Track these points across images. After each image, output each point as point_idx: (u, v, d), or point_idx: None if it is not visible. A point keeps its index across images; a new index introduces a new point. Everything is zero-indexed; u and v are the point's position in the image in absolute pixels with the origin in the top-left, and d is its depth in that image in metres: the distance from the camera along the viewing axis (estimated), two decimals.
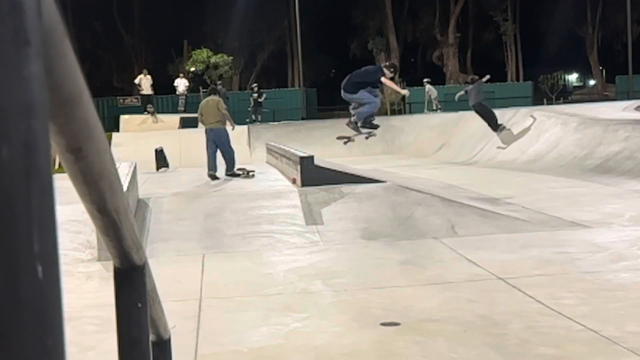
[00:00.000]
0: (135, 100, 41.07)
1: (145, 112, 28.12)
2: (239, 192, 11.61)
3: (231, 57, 38.11)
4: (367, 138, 14.87)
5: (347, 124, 14.83)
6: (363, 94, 14.02)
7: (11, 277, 0.46)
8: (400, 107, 39.52)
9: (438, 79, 46.15)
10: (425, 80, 30.66)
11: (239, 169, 14.24)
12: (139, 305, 1.51)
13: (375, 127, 14.60)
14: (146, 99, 29.44)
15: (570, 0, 47.06)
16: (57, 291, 0.49)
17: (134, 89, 45.32)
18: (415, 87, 43.11)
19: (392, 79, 14.52)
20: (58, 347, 0.49)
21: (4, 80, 0.46)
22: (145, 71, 30.85)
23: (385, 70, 14.18)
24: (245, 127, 25.55)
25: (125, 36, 49.15)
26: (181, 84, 31.82)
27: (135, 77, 32.34)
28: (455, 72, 47.60)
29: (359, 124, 14.29)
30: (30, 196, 0.47)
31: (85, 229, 8.21)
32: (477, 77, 20.55)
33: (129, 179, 9.53)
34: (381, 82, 14.16)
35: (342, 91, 14.13)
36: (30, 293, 0.46)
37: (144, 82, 29.49)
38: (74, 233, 8.27)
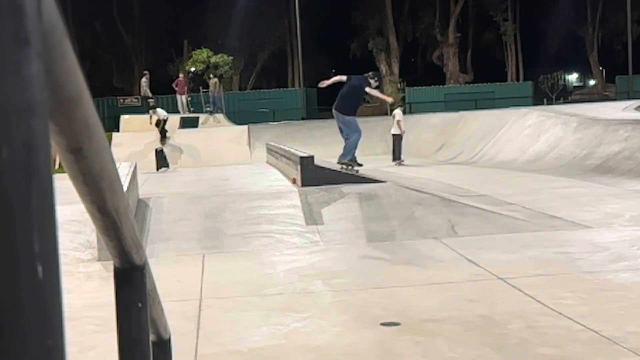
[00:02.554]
0: (136, 100, 41.05)
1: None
2: (239, 192, 11.60)
3: (231, 57, 38.11)
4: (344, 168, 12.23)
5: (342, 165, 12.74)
6: (354, 119, 12.74)
7: (11, 277, 0.46)
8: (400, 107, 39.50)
9: (438, 79, 46.16)
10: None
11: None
12: (139, 305, 1.51)
13: (359, 165, 12.85)
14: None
15: (570, 0, 47.06)
16: (57, 291, 0.49)
17: (134, 89, 45.41)
18: (416, 87, 43.23)
19: (377, 87, 13.56)
20: (58, 347, 0.49)
21: (4, 80, 0.46)
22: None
23: (370, 81, 13.19)
24: (245, 127, 25.51)
25: (125, 36, 49.16)
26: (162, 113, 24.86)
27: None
28: (456, 72, 47.58)
29: (348, 159, 12.52)
30: (30, 196, 0.47)
31: (85, 229, 8.21)
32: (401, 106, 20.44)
33: (129, 179, 9.52)
34: (366, 93, 13.31)
35: (336, 111, 12.80)
36: (30, 293, 0.46)
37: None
38: (74, 233, 8.27)
